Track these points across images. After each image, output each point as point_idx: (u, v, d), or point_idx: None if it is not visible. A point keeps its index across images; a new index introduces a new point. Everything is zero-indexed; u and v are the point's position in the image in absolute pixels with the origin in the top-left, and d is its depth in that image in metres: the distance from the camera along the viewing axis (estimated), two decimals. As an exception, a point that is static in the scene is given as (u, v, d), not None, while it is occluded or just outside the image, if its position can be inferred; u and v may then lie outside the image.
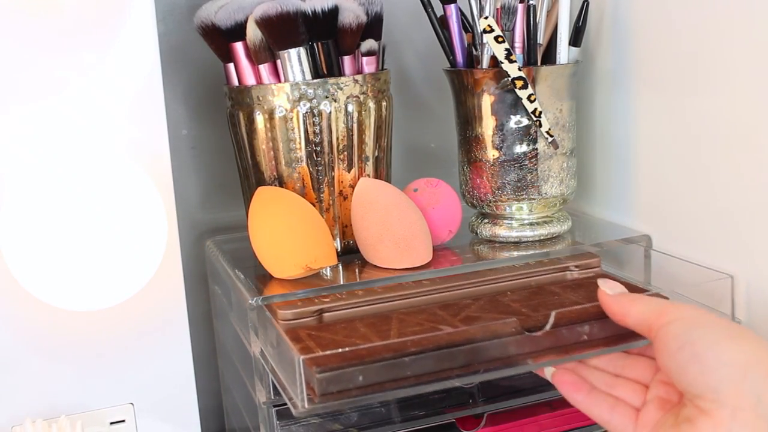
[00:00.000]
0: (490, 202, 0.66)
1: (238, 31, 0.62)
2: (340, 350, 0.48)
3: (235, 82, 0.65)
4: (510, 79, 0.62)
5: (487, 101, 0.64)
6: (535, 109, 0.63)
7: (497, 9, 0.63)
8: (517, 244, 0.66)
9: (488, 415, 0.61)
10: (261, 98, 0.62)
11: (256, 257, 0.61)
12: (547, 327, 0.51)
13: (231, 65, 0.65)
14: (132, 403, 0.62)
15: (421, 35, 0.79)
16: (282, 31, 0.61)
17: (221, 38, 0.63)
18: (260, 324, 0.56)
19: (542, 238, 0.66)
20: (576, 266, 0.63)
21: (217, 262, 0.69)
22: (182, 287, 0.62)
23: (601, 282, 0.52)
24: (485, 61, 0.64)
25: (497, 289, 0.61)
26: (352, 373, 0.47)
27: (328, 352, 0.48)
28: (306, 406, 0.46)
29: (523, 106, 0.63)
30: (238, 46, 0.63)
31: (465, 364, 0.49)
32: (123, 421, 0.62)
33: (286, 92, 0.62)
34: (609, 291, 0.51)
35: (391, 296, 0.58)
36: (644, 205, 0.68)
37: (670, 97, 0.63)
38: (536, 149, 0.65)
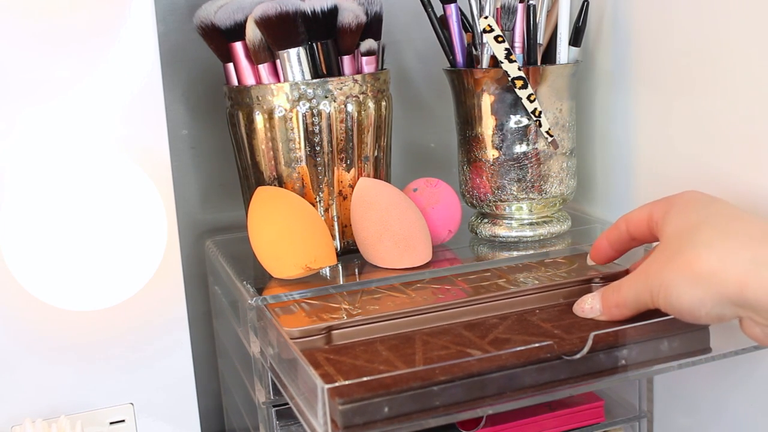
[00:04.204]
0: (490, 202, 0.66)
1: (237, 31, 0.62)
2: (364, 379, 0.44)
3: (235, 82, 0.65)
4: (510, 78, 0.62)
5: (487, 101, 0.64)
6: (535, 109, 0.63)
7: (497, 9, 0.63)
8: (516, 243, 0.66)
9: (488, 415, 0.61)
10: (260, 98, 0.62)
11: (256, 257, 0.61)
12: (585, 351, 0.48)
13: (230, 65, 0.65)
14: (132, 403, 0.62)
15: (421, 35, 0.79)
16: (281, 31, 0.61)
17: (221, 38, 0.63)
18: (260, 324, 0.56)
19: (542, 238, 0.66)
20: (601, 278, 0.60)
21: (217, 262, 0.69)
22: (182, 287, 0.62)
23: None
24: (485, 61, 0.64)
25: (524, 305, 0.57)
26: (378, 404, 0.44)
27: (351, 381, 0.44)
28: None
29: (523, 106, 0.63)
30: (238, 46, 0.63)
31: (497, 392, 0.46)
32: (123, 421, 0.62)
33: (285, 92, 0.62)
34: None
35: (409, 311, 0.55)
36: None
37: (670, 97, 0.63)
38: (536, 149, 0.65)
